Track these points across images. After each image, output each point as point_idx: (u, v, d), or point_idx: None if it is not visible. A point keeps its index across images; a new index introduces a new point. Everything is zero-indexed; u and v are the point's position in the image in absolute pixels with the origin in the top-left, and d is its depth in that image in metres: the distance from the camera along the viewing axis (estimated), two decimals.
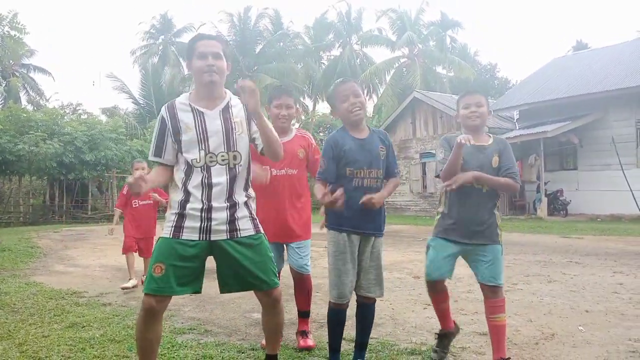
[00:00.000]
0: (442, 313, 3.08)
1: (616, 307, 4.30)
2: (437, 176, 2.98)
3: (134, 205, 5.65)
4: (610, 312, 4.16)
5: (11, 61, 28.55)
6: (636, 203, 14.41)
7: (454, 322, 3.15)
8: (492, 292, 2.85)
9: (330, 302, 2.85)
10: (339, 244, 2.76)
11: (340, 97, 2.81)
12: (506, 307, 2.91)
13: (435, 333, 3.13)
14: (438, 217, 3.01)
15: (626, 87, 15.03)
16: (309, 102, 42.55)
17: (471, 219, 2.83)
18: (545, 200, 15.94)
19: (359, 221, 2.74)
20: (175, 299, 4.77)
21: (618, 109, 15.64)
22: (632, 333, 3.54)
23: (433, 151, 18.72)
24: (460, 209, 2.85)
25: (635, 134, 15.38)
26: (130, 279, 5.43)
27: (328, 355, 2.93)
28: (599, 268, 6.42)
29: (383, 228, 2.87)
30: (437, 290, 3.00)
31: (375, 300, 2.90)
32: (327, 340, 2.94)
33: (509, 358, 2.86)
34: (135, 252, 5.69)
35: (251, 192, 2.59)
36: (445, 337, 3.09)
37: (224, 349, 3.25)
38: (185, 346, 3.32)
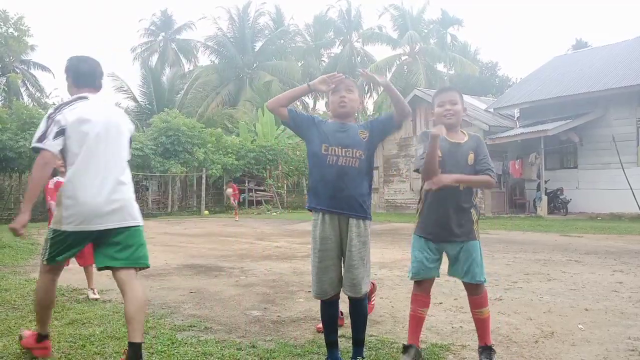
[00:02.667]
0: (417, 322, 2.99)
1: (616, 306, 4.31)
2: (416, 170, 2.96)
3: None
4: (610, 310, 4.16)
5: (11, 57, 28.58)
6: (636, 202, 14.41)
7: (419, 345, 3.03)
8: (472, 289, 2.92)
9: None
10: (316, 238, 2.80)
11: (333, 89, 2.92)
12: (488, 300, 2.99)
13: (403, 344, 3.02)
14: (417, 215, 3.03)
15: (627, 85, 15.01)
16: (309, 100, 42.53)
17: (448, 218, 2.86)
18: (545, 198, 15.94)
19: (333, 200, 2.75)
20: (175, 297, 4.80)
21: (619, 108, 15.63)
22: (632, 332, 3.54)
23: None
24: (438, 207, 2.88)
25: (635, 133, 15.37)
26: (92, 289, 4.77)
27: (327, 354, 2.93)
28: (598, 267, 6.42)
29: (363, 210, 2.79)
30: (422, 290, 2.99)
31: (364, 296, 2.86)
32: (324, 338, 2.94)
33: (493, 345, 2.95)
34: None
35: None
36: (411, 352, 2.93)
37: (223, 346, 3.25)
38: (185, 343, 3.32)
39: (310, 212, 2.90)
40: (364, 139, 2.84)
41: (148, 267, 3.04)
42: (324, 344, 3.06)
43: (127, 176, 2.98)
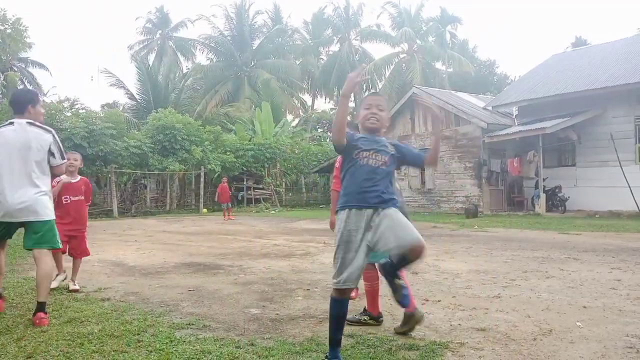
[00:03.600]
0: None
1: (614, 303, 4.32)
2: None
3: (64, 202, 5.14)
4: (608, 308, 4.17)
5: (9, 56, 28.52)
6: (634, 199, 14.43)
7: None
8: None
9: (332, 294, 2.88)
10: (342, 231, 2.85)
11: (365, 104, 3.12)
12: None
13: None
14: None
15: (625, 83, 15.01)
16: (307, 98, 42.51)
17: None
18: (543, 196, 15.96)
19: (361, 194, 2.87)
20: (173, 295, 4.80)
21: (617, 106, 15.64)
22: (630, 329, 3.55)
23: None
24: None
25: (634, 131, 15.38)
26: (58, 274, 5.17)
27: (328, 352, 2.92)
28: (597, 264, 6.43)
29: (392, 203, 2.90)
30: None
31: (421, 249, 2.82)
32: (328, 335, 2.92)
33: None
34: (64, 253, 5.21)
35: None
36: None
37: (222, 344, 3.25)
38: (184, 341, 3.32)
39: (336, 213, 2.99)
40: (391, 151, 3.03)
41: (55, 248, 4.02)
42: (323, 341, 3.06)
43: (34, 182, 3.83)
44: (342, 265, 2.82)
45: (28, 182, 3.82)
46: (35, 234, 3.84)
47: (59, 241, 4.05)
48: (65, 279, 5.28)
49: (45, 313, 3.77)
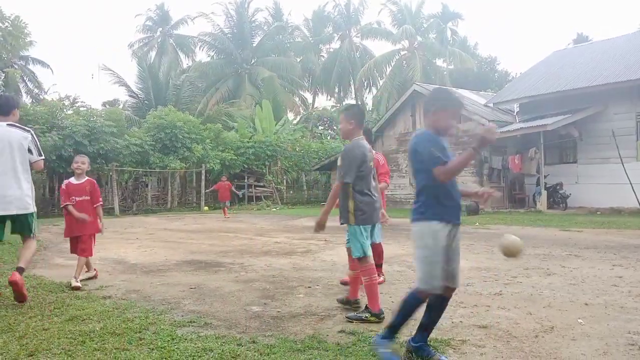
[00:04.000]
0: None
1: (615, 300, 4.31)
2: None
3: (71, 202, 5.32)
4: (610, 305, 4.16)
5: (9, 54, 28.51)
6: (636, 196, 14.41)
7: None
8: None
9: (417, 294, 2.93)
10: (443, 244, 2.87)
11: (449, 111, 2.99)
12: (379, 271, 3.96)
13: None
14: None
15: (627, 80, 14.97)
16: (308, 96, 42.47)
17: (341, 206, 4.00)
18: (544, 193, 15.94)
19: (454, 209, 2.96)
20: (175, 293, 4.80)
21: (618, 102, 15.60)
22: (631, 326, 3.55)
23: None
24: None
25: (635, 127, 15.34)
26: (87, 271, 5.53)
27: (385, 332, 3.01)
28: (598, 261, 6.43)
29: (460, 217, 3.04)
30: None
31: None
32: (394, 322, 3.00)
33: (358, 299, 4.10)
34: (73, 252, 5.46)
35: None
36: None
37: (223, 342, 3.26)
38: (185, 339, 3.32)
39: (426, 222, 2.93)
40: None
41: (31, 235, 4.49)
42: (324, 339, 3.06)
43: (18, 178, 4.31)
44: (443, 273, 2.86)
45: (13, 179, 4.30)
46: (20, 223, 4.42)
47: (36, 230, 4.59)
48: (93, 276, 5.61)
49: (21, 276, 4.20)
